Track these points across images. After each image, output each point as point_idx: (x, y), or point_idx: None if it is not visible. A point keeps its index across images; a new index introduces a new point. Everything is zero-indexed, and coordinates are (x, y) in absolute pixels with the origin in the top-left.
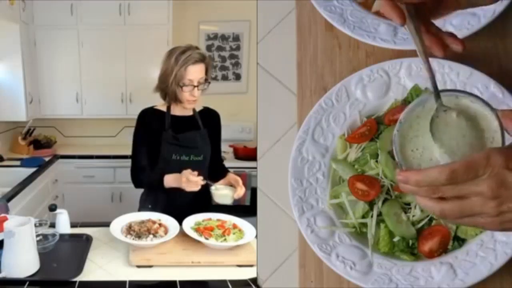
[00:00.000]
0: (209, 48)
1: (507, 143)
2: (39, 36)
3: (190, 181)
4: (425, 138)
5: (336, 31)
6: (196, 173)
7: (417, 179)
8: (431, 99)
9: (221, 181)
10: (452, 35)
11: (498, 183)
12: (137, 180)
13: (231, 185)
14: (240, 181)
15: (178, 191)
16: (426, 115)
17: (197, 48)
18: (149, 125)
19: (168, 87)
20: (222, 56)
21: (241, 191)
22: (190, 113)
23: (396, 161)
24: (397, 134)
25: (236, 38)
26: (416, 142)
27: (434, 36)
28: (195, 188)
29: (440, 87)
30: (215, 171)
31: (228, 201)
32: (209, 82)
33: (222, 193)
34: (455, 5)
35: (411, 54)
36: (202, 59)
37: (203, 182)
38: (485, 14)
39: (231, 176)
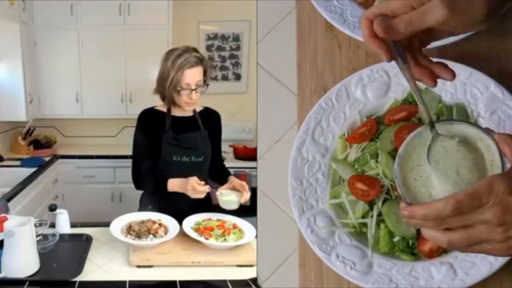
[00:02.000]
0: (209, 48)
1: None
2: (39, 36)
3: (197, 190)
4: (426, 167)
5: (336, 31)
6: (203, 182)
7: (423, 214)
8: (427, 130)
9: (226, 186)
10: (442, 65)
11: (503, 209)
12: (138, 182)
13: (236, 190)
14: (246, 186)
15: (179, 192)
16: (423, 146)
17: (194, 50)
18: (150, 126)
19: (165, 91)
20: (222, 56)
21: (247, 195)
22: (191, 113)
23: (400, 194)
24: (398, 168)
25: (236, 38)
26: (417, 171)
27: (423, 68)
28: (201, 196)
29: (440, 87)
30: (215, 171)
31: (234, 206)
32: (208, 84)
33: (228, 199)
34: (448, 34)
35: None
36: (199, 62)
37: (209, 190)
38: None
39: (236, 181)
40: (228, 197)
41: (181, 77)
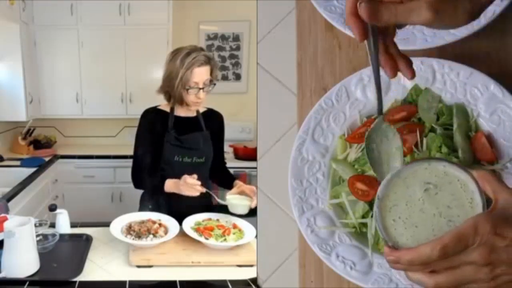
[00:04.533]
0: (209, 48)
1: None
2: (39, 36)
3: (187, 183)
4: (405, 207)
5: (336, 31)
6: (195, 176)
7: (409, 259)
8: (406, 169)
9: (234, 190)
10: (407, 61)
11: (488, 250)
12: (138, 181)
13: (245, 194)
14: (256, 191)
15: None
16: (402, 185)
17: (202, 49)
18: (152, 125)
19: (174, 90)
20: (222, 56)
21: (256, 200)
22: (194, 114)
23: (382, 238)
24: (378, 210)
25: (236, 38)
26: (396, 212)
27: (390, 58)
28: (194, 193)
29: (440, 87)
30: (218, 173)
31: (244, 211)
32: (215, 84)
33: (239, 203)
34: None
35: (411, 54)
36: (207, 61)
37: (202, 190)
38: (485, 14)
39: (245, 186)
40: (239, 201)
41: (190, 76)
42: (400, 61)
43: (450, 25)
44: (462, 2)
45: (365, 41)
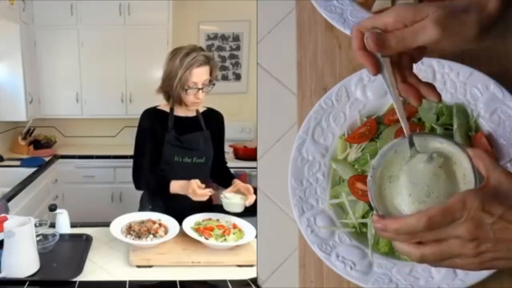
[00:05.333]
0: (209, 48)
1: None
2: (39, 36)
3: (197, 195)
4: (400, 181)
5: (336, 31)
6: (203, 185)
7: (395, 228)
8: (402, 144)
9: (230, 189)
10: (429, 85)
11: (475, 225)
12: (139, 182)
13: (241, 192)
14: (251, 189)
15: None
16: (400, 159)
17: (201, 49)
18: (152, 125)
19: (172, 90)
20: (222, 56)
21: (252, 198)
22: (194, 114)
23: (374, 206)
24: (371, 180)
25: (236, 38)
26: (390, 181)
27: (410, 87)
28: (202, 199)
29: (440, 87)
30: (218, 173)
31: (239, 209)
32: (214, 84)
33: (233, 202)
34: (439, 51)
35: None
36: (207, 61)
37: (211, 193)
38: None
39: (241, 184)
40: (233, 200)
41: (189, 76)
42: (422, 87)
43: (460, 41)
44: (469, 15)
45: (381, 75)
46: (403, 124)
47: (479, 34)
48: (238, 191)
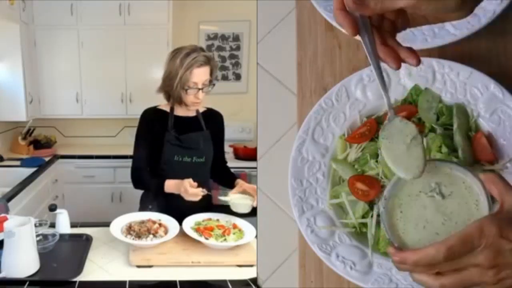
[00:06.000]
0: (209, 48)
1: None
2: (39, 36)
3: (189, 194)
4: (410, 207)
5: (336, 31)
6: (195, 184)
7: (414, 260)
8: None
9: (236, 189)
10: (409, 49)
11: (494, 252)
12: (137, 181)
13: (247, 193)
14: None
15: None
16: (408, 184)
17: (202, 49)
18: (152, 125)
19: (173, 90)
20: (222, 56)
21: None
22: (194, 113)
23: (387, 238)
24: (384, 211)
25: (236, 38)
26: (403, 212)
27: (390, 49)
28: (194, 199)
29: (440, 87)
30: (219, 173)
31: (246, 210)
32: (214, 84)
33: (241, 203)
34: (423, 21)
35: None
36: (207, 61)
37: (203, 193)
38: (485, 14)
39: (246, 185)
40: (241, 201)
41: (190, 76)
42: (402, 50)
43: (440, 8)
44: None
45: (359, 37)
46: (384, 92)
47: (460, 3)
48: (244, 192)
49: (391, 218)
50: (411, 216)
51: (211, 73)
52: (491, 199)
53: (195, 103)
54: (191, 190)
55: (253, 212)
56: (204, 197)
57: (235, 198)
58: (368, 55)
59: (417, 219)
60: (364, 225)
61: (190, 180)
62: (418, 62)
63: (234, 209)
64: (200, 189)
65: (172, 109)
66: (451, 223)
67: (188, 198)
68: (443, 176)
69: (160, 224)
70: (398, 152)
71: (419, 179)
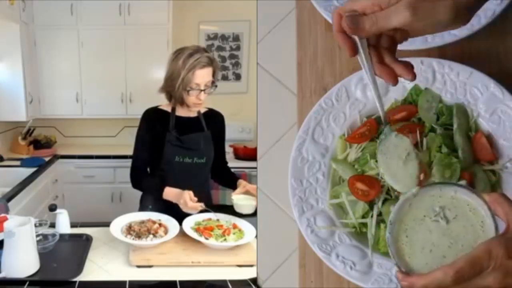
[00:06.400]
0: (209, 48)
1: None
2: (39, 36)
3: (189, 208)
4: (415, 231)
5: None
6: (195, 199)
7: (423, 284)
8: (416, 199)
9: (239, 190)
10: (405, 65)
11: (503, 274)
12: (136, 181)
13: (250, 194)
14: None
15: None
16: (413, 209)
17: (205, 50)
18: (153, 125)
19: (174, 90)
20: (222, 56)
21: None
22: (195, 114)
23: (395, 263)
24: (390, 236)
25: (236, 38)
26: (408, 236)
27: (385, 66)
28: (192, 212)
29: (440, 87)
30: (220, 173)
31: (250, 211)
32: (216, 85)
33: (245, 203)
34: (422, 32)
35: (411, 54)
36: (210, 62)
37: (201, 208)
38: (485, 14)
39: (249, 186)
40: (244, 201)
41: (192, 77)
42: (398, 67)
43: (434, 24)
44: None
45: (358, 57)
46: (380, 108)
47: (453, 18)
48: (247, 192)
49: (397, 242)
50: (417, 240)
51: (214, 74)
52: (497, 220)
53: (197, 104)
54: (190, 204)
55: (253, 212)
56: (204, 196)
57: (239, 199)
58: (365, 72)
59: (423, 243)
60: (364, 225)
61: (191, 193)
62: (414, 77)
63: (238, 210)
64: (199, 204)
65: (173, 109)
66: (457, 245)
67: (186, 210)
68: (447, 200)
69: (160, 224)
70: (395, 167)
71: (423, 203)
